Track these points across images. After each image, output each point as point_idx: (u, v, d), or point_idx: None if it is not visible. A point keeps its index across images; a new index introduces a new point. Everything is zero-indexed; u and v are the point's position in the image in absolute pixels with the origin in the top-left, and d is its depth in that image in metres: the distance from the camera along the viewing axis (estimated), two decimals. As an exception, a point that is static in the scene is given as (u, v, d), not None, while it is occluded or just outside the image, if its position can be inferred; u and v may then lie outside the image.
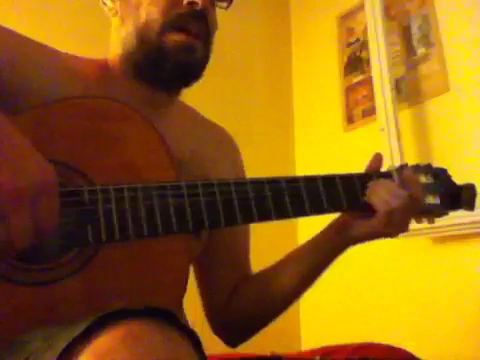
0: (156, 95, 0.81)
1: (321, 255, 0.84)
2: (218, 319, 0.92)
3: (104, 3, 0.84)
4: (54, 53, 0.79)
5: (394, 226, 0.77)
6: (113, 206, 0.61)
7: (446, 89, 1.58)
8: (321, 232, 0.85)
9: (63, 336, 0.47)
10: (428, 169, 0.85)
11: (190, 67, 0.79)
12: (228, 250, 0.91)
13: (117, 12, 0.81)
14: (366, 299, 1.69)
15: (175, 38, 0.76)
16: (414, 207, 0.78)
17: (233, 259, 0.92)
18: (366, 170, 0.84)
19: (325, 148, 1.99)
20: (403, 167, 0.84)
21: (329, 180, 0.76)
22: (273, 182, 0.72)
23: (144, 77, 0.80)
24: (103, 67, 0.82)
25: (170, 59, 0.76)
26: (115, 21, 0.82)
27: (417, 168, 0.85)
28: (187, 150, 0.81)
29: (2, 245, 0.51)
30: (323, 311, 1.83)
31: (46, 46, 0.78)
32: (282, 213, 0.71)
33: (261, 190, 0.70)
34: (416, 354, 0.89)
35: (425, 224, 0.85)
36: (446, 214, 0.84)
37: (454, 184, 0.85)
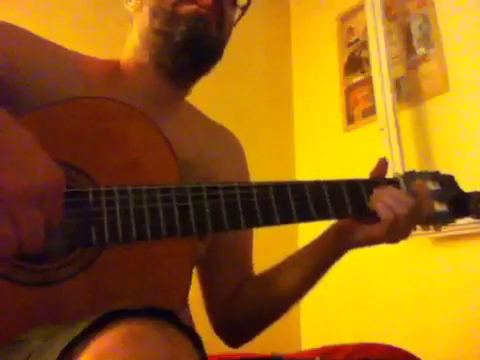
0: (168, 92, 0.81)
1: (321, 258, 0.84)
2: (219, 319, 0.92)
3: (127, 1, 0.84)
4: (60, 50, 0.78)
5: (397, 233, 0.77)
6: (117, 208, 0.61)
7: (446, 89, 1.58)
8: (321, 235, 0.85)
9: (63, 335, 0.47)
10: (435, 176, 0.85)
11: (202, 41, 0.78)
12: (231, 250, 0.91)
13: (139, 6, 0.82)
14: (366, 299, 1.69)
15: (188, 8, 0.76)
16: (420, 216, 0.78)
17: (236, 259, 0.92)
18: (371, 175, 0.84)
19: (325, 148, 1.99)
20: (410, 174, 0.84)
21: (335, 186, 0.76)
22: (278, 186, 0.71)
23: (158, 63, 0.79)
24: (113, 67, 0.82)
25: (182, 26, 0.76)
26: (137, 17, 0.83)
27: (424, 175, 0.84)
28: (194, 151, 0.81)
29: (12, 246, 0.51)
30: (323, 311, 1.83)
31: (52, 43, 0.78)
32: (287, 218, 0.71)
33: (266, 194, 0.70)
34: (416, 354, 0.89)
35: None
36: (453, 222, 0.83)
37: (461, 191, 0.84)
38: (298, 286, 0.86)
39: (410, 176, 0.83)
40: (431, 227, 0.83)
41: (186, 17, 0.76)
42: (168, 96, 0.82)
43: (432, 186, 0.83)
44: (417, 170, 0.86)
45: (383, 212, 0.75)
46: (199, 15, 0.76)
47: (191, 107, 0.91)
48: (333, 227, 0.83)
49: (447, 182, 0.84)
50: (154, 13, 0.78)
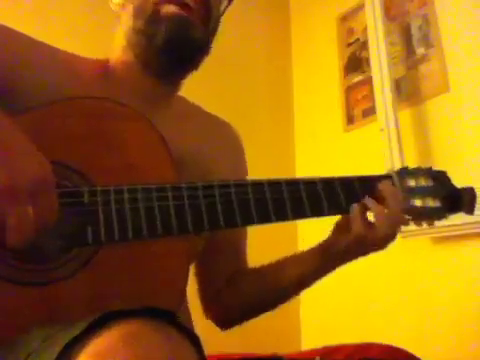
0: (157, 89, 0.82)
1: (316, 267, 0.84)
2: (211, 304, 0.94)
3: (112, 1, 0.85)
4: (54, 51, 0.79)
5: (378, 238, 0.77)
6: (113, 207, 0.61)
7: (446, 89, 1.58)
8: (310, 251, 0.86)
9: (62, 336, 0.47)
10: (428, 172, 0.85)
11: (185, 43, 0.77)
12: (227, 241, 0.92)
13: (123, 5, 0.83)
14: (366, 299, 1.69)
15: (170, 9, 0.75)
16: (394, 221, 0.77)
17: (231, 250, 0.93)
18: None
19: (325, 148, 1.99)
20: (404, 170, 0.84)
21: (329, 183, 0.76)
22: (273, 184, 0.72)
23: (143, 62, 0.80)
24: (104, 66, 0.83)
25: (163, 28, 0.75)
26: (122, 15, 0.83)
27: (417, 171, 0.85)
28: (189, 148, 0.81)
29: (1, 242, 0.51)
30: (323, 311, 1.83)
31: (46, 44, 0.78)
32: (282, 216, 0.71)
33: (261, 192, 0.70)
34: (416, 354, 0.89)
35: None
36: (446, 217, 0.84)
37: (454, 187, 0.85)
38: (293, 285, 0.87)
39: (404, 172, 0.83)
40: (424, 224, 0.84)
41: (167, 18, 0.75)
42: (158, 93, 0.82)
43: (425, 182, 0.83)
44: (410, 166, 0.86)
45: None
46: (180, 16, 0.75)
47: (185, 102, 0.91)
48: (319, 246, 0.84)
49: (440, 178, 0.85)
50: (136, 13, 0.78)
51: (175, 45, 0.77)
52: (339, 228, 0.81)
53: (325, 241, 0.83)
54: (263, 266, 0.91)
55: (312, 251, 0.85)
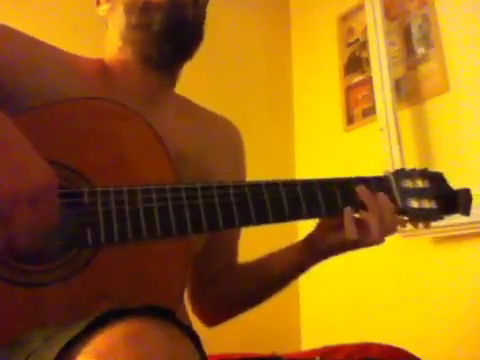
0: (157, 83, 0.82)
1: (300, 261, 0.85)
2: (198, 299, 0.94)
3: (99, 4, 0.85)
4: (55, 51, 0.79)
5: (368, 243, 0.78)
6: (113, 208, 0.62)
7: (446, 89, 1.58)
8: (293, 245, 0.86)
9: (62, 336, 0.47)
10: (424, 173, 0.86)
11: (182, 25, 0.78)
12: (222, 239, 0.92)
13: (111, 8, 0.83)
14: (366, 299, 1.69)
15: None
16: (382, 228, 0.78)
17: (223, 245, 0.94)
18: None
19: (325, 148, 1.99)
20: (400, 172, 0.84)
21: (327, 184, 0.77)
22: (271, 185, 0.73)
23: (142, 57, 0.80)
24: (102, 66, 0.83)
25: (158, 15, 0.77)
26: (111, 18, 0.83)
27: (413, 172, 0.85)
28: (190, 145, 0.81)
29: (2, 247, 0.51)
30: (323, 311, 1.83)
31: (46, 44, 0.78)
32: (279, 217, 0.72)
33: (259, 194, 0.71)
34: (416, 354, 0.89)
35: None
36: (441, 218, 0.84)
37: (450, 188, 0.85)
38: (277, 281, 0.88)
39: (400, 173, 0.84)
40: (421, 225, 0.84)
41: (160, 5, 0.77)
42: (158, 88, 0.83)
43: (421, 183, 0.84)
44: (407, 168, 0.87)
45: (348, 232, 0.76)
46: (173, 0, 0.77)
47: (185, 100, 0.92)
48: (304, 242, 0.84)
49: (436, 179, 0.85)
50: (128, 9, 0.79)
51: (173, 30, 0.78)
52: (327, 225, 0.82)
53: (312, 236, 0.83)
54: (250, 262, 0.92)
55: (295, 247, 0.85)
